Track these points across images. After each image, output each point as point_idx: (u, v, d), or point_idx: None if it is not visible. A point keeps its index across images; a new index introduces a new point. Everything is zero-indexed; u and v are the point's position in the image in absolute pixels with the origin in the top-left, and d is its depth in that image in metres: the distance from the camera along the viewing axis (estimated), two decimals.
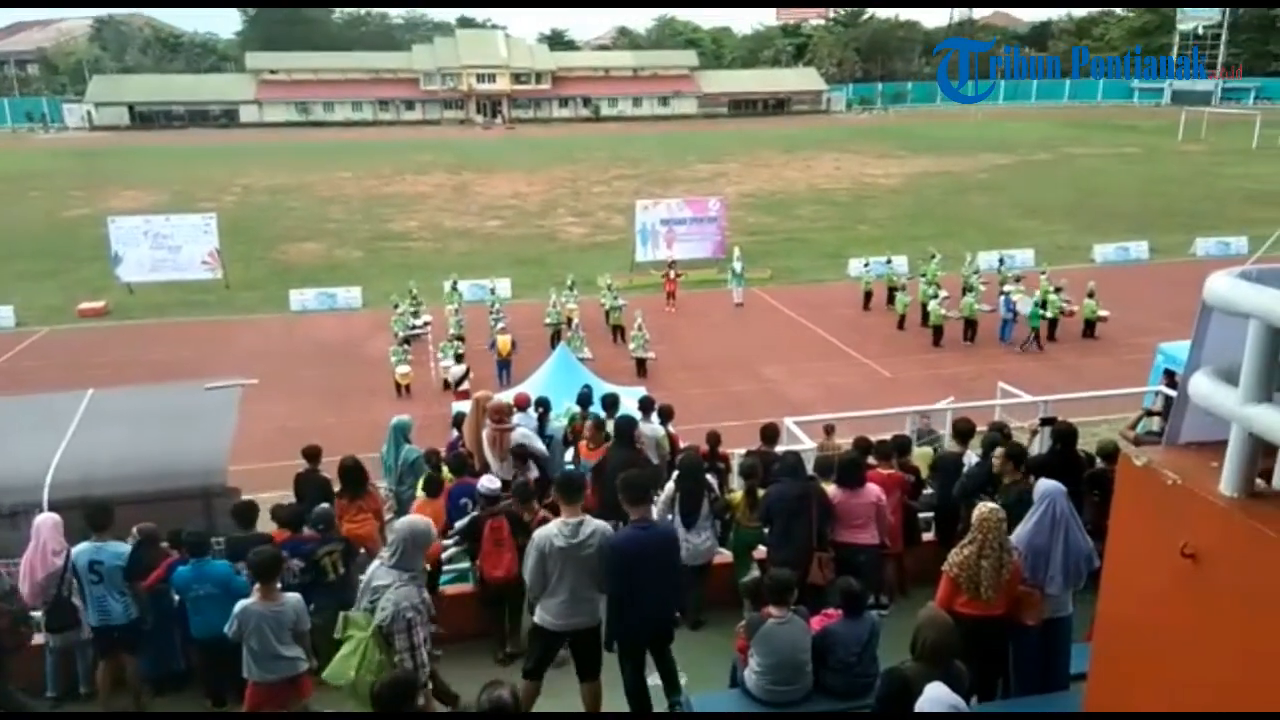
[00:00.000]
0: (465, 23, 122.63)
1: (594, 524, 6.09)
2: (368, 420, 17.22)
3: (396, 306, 24.85)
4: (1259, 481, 2.66)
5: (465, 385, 19.57)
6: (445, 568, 8.47)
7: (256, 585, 6.23)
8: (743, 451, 9.39)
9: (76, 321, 28.33)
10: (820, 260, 34.45)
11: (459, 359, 20.81)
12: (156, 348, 25.09)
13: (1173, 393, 12.07)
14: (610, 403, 10.30)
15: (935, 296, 24.65)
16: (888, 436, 9.37)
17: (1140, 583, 2.91)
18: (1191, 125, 69.70)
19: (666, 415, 10.31)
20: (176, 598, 7.10)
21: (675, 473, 8.32)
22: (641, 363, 22.26)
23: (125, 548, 7.09)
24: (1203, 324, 2.89)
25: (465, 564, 8.34)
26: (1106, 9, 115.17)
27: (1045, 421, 9.16)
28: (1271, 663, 2.44)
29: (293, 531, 7.64)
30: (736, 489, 8.52)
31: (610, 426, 9.82)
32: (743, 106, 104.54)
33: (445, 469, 9.29)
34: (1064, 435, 8.09)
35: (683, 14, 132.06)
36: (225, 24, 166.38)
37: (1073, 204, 44.32)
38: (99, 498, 7.38)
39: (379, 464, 10.60)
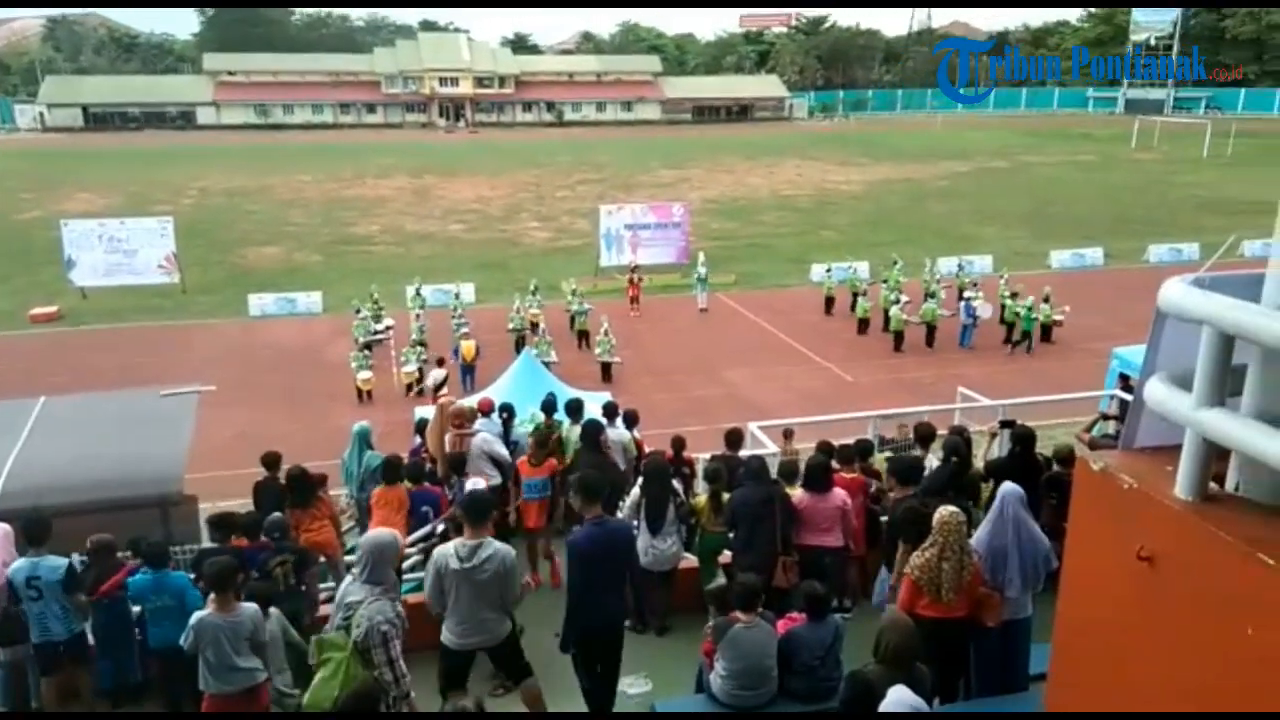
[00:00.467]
0: (427, 26, 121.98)
1: (494, 546, 5.96)
2: (329, 426, 17.04)
3: (358, 312, 24.59)
4: (1213, 485, 2.71)
5: (445, 390, 19.42)
6: (405, 576, 8.38)
7: (212, 596, 6.12)
8: (707, 456, 9.41)
9: (28, 327, 27.70)
10: (783, 265, 34.68)
11: (440, 363, 20.59)
12: (111, 354, 24.60)
13: (1128, 397, 12.30)
14: (574, 408, 10.27)
15: (897, 302, 24.91)
16: (850, 441, 9.45)
17: (1098, 585, 2.96)
18: (1144, 133, 71.19)
19: (632, 420, 10.31)
20: (137, 608, 6.96)
21: (640, 478, 8.31)
22: (607, 367, 22.25)
23: (63, 561, 6.89)
24: (1157, 330, 2.94)
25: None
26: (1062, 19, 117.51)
27: (1004, 424, 9.27)
28: (1225, 662, 2.48)
29: (247, 540, 7.52)
30: (701, 494, 8.53)
31: (566, 432, 9.84)
32: (706, 112, 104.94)
33: (405, 477, 9.19)
34: (1023, 439, 8.20)
35: (646, 19, 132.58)
36: (182, 24, 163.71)
37: (1030, 211, 45.05)
38: (39, 510, 7.19)
39: (340, 470, 10.47)
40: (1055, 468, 8.17)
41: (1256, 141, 65.80)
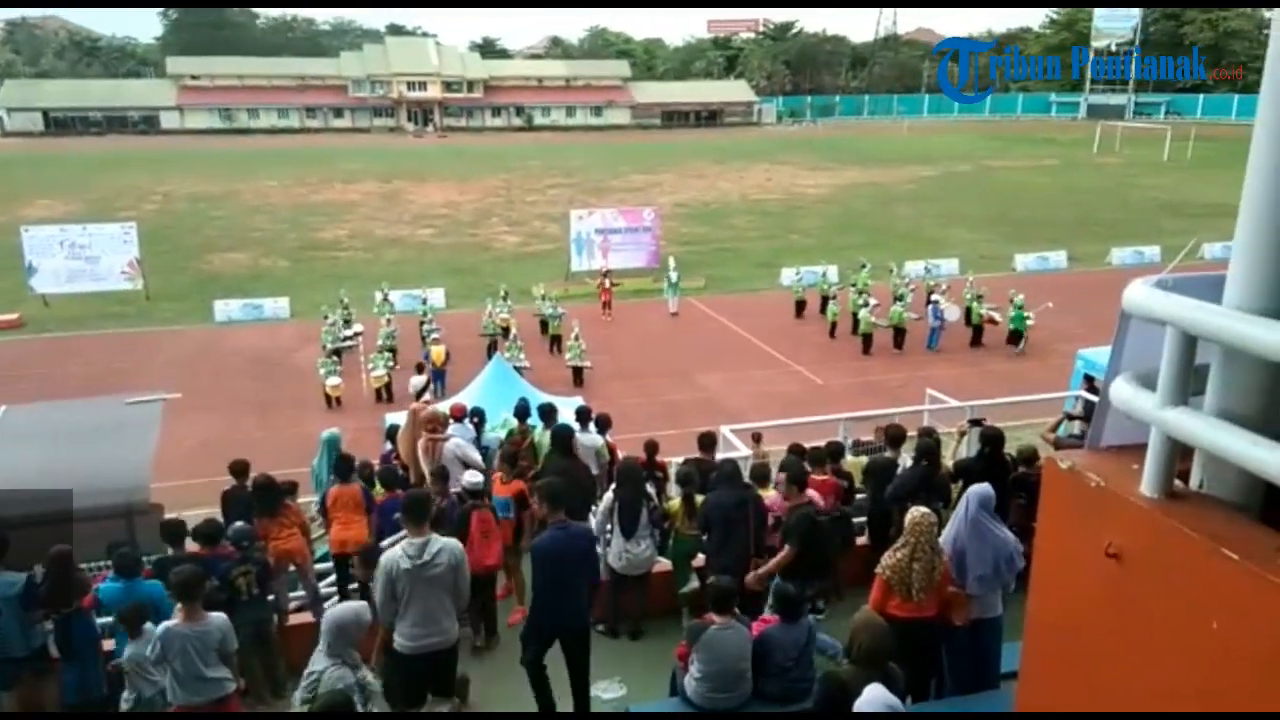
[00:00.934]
0: (395, 29, 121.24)
1: (441, 543, 6.03)
2: (297, 433, 16.87)
3: (326, 318, 24.37)
4: (1177, 483, 2.76)
5: (427, 395, 19.27)
6: None
7: (179, 606, 6.04)
8: (680, 460, 9.42)
9: None
10: (753, 269, 34.83)
11: (420, 369, 20.41)
12: (74, 361, 24.21)
13: (1093, 397, 12.48)
14: (547, 412, 10.25)
15: (865, 305, 25.10)
16: (821, 443, 9.51)
17: (1067, 582, 3.00)
18: (1106, 138, 72.34)
19: (604, 425, 10.31)
20: (106, 619, 6.84)
21: (614, 482, 8.31)
22: (578, 372, 22.21)
23: (20, 577, 6.72)
24: (1122, 331, 2.99)
25: None
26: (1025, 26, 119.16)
27: (974, 423, 9.38)
28: (1189, 655, 2.53)
29: (210, 548, 7.42)
30: (675, 497, 8.55)
31: (538, 437, 9.83)
32: (675, 117, 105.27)
33: (377, 482, 9.13)
34: (992, 439, 8.31)
35: (615, 24, 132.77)
36: (145, 28, 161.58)
37: (995, 215, 45.60)
38: (4, 520, 7.05)
39: (310, 477, 10.39)
40: (1020, 469, 8.29)
41: (1215, 146, 67.08)
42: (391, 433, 11.17)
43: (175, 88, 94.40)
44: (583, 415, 10.15)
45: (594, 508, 8.61)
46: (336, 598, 8.38)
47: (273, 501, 8.25)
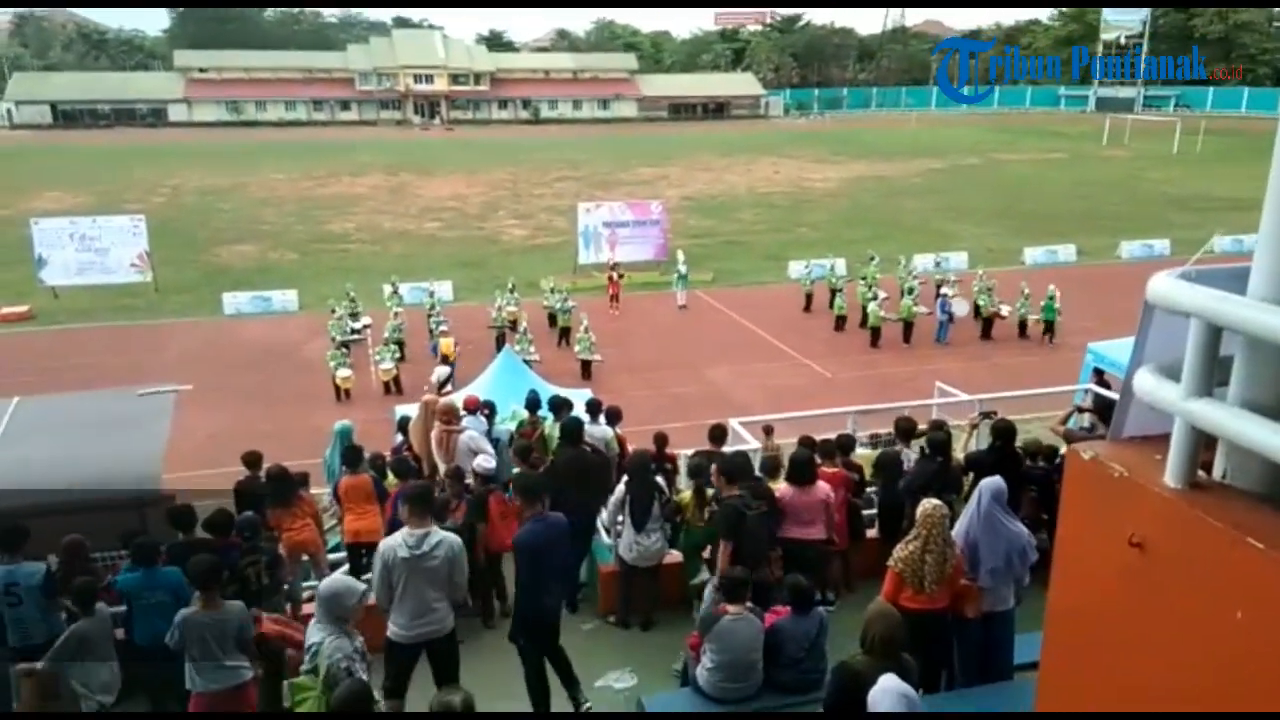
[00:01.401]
0: (401, 23, 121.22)
1: (440, 535, 6.14)
2: (308, 425, 16.92)
3: (334, 311, 24.42)
4: (1200, 473, 2.76)
5: (449, 388, 19.28)
6: None
7: (197, 594, 6.09)
8: (690, 452, 9.43)
9: None
10: (761, 263, 34.78)
11: (444, 360, 20.41)
12: (84, 353, 24.28)
13: (1102, 391, 12.49)
14: (558, 405, 10.26)
15: (874, 298, 25.06)
16: (831, 436, 9.51)
17: (1089, 573, 3.00)
18: (1115, 131, 72.00)
19: (615, 417, 10.31)
20: (123, 607, 6.90)
21: (625, 475, 8.32)
22: (587, 365, 22.23)
23: (40, 566, 6.85)
24: (1145, 322, 2.98)
25: None
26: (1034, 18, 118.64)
27: (985, 415, 9.36)
28: (1213, 644, 2.54)
29: (221, 538, 7.46)
30: (685, 489, 8.56)
31: (548, 429, 9.87)
32: (682, 110, 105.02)
33: (389, 473, 9.17)
34: (1003, 432, 8.30)
35: (622, 17, 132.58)
36: (152, 21, 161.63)
37: (1003, 208, 45.45)
38: (14, 515, 7.11)
39: (322, 468, 10.43)
40: (1027, 462, 8.31)
41: (1225, 139, 66.73)
42: (403, 424, 11.21)
43: (183, 81, 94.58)
44: (593, 408, 10.16)
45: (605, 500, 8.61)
46: None
47: (287, 492, 8.32)
